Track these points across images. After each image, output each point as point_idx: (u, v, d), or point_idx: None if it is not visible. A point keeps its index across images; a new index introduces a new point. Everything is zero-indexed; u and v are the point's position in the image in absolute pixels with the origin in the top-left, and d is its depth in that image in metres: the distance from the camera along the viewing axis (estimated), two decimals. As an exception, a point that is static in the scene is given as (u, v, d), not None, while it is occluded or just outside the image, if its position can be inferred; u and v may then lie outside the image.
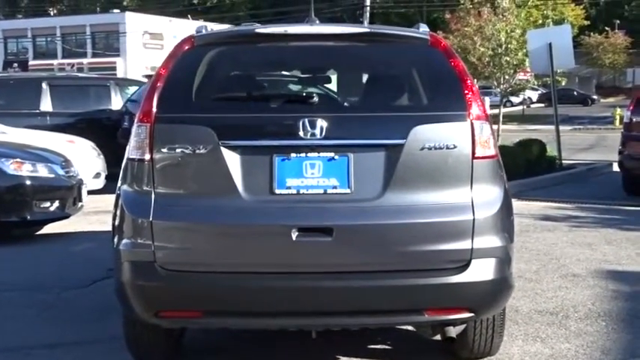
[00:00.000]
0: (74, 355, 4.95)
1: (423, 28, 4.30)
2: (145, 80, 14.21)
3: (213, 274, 3.80)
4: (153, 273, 3.81)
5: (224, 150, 3.80)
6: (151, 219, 3.81)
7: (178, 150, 3.83)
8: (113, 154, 12.73)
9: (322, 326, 3.94)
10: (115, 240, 4.06)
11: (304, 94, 3.90)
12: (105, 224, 9.60)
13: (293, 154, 3.81)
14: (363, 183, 3.80)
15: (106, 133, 13.12)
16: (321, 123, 3.78)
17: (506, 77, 23.99)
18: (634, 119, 11.59)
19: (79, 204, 9.23)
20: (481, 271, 3.82)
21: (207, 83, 4.09)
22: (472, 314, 3.90)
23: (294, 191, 3.81)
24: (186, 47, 4.08)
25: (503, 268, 3.90)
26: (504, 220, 3.96)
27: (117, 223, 4.07)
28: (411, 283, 3.75)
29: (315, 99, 3.84)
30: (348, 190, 3.81)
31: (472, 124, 3.87)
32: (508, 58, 23.05)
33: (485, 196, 3.89)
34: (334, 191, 3.81)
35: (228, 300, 3.80)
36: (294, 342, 4.80)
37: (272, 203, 3.80)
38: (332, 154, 3.81)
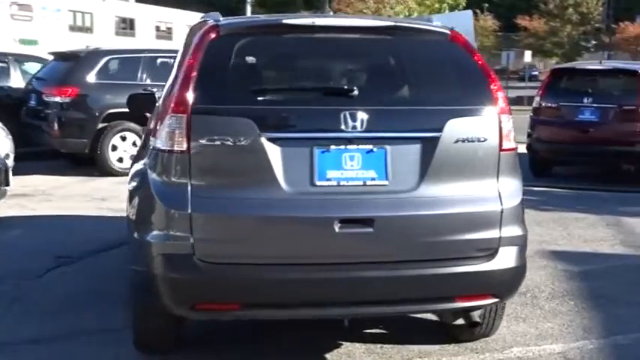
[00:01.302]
0: (62, 349, 4.81)
1: (437, 22, 4.42)
2: (51, 57, 13.56)
3: (254, 266, 3.79)
4: (191, 266, 3.75)
5: (265, 142, 3.78)
6: (189, 211, 3.75)
7: (218, 141, 3.77)
8: (16, 133, 12.21)
9: (358, 315, 4.02)
10: (140, 232, 3.97)
11: (345, 86, 3.92)
12: (25, 208, 9.29)
13: (333, 146, 3.84)
14: (399, 175, 3.89)
15: (7, 111, 12.53)
16: (362, 115, 3.83)
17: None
18: (543, 104, 12.19)
19: (4, 188, 8.82)
20: (507, 258, 4.00)
21: (242, 74, 4.03)
22: (497, 299, 4.08)
23: (334, 183, 3.84)
24: (212, 36, 4.00)
25: (523, 254, 4.10)
26: (523, 209, 4.15)
27: (143, 214, 3.99)
28: (444, 271, 3.88)
29: (356, 91, 3.87)
30: (386, 182, 3.88)
31: (499, 118, 4.03)
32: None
33: (509, 187, 4.07)
34: (373, 183, 3.87)
35: (268, 292, 3.80)
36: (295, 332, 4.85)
37: (313, 195, 3.82)
38: (370, 147, 3.86)
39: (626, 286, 6.18)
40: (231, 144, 3.76)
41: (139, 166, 4.27)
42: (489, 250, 3.96)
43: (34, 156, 13.06)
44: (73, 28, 27.55)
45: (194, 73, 3.84)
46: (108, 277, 6.36)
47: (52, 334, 5.03)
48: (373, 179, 3.87)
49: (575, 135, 11.59)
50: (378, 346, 4.76)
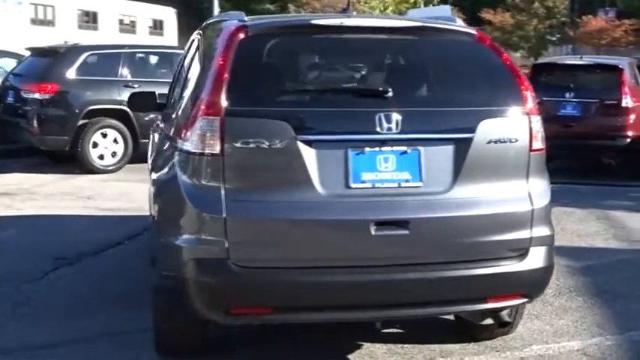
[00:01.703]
0: (82, 353, 4.73)
1: (459, 21, 4.41)
2: (28, 53, 13.29)
3: (289, 269, 3.76)
4: (226, 270, 3.71)
5: (300, 144, 3.74)
6: (224, 215, 3.70)
7: (253, 144, 3.72)
8: (-5, 131, 12.00)
9: (391, 318, 4.01)
10: (169, 236, 3.92)
11: (380, 87, 3.89)
12: (11, 208, 9.13)
13: (367, 148, 3.82)
14: (433, 176, 3.88)
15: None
16: (396, 117, 3.81)
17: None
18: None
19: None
20: (537, 258, 4.02)
21: (274, 75, 3.99)
22: (526, 299, 4.10)
23: (369, 185, 3.82)
24: (242, 36, 3.95)
25: (552, 254, 4.13)
26: (550, 209, 4.18)
27: (173, 218, 3.93)
28: (477, 272, 3.89)
29: (390, 93, 3.85)
30: (420, 184, 3.87)
31: (530, 119, 4.04)
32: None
33: (539, 188, 4.09)
34: (407, 185, 3.86)
35: (302, 295, 3.77)
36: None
37: (349, 197, 3.80)
38: (404, 148, 3.85)
39: (628, 281, 6.26)
40: (266, 147, 3.72)
41: (163, 169, 4.21)
42: (521, 250, 3.98)
43: (10, 153, 12.85)
44: (35, 22, 27.19)
45: (226, 75, 3.78)
46: (110, 277, 6.29)
47: (67, 337, 4.95)
48: (407, 181, 3.86)
49: (557, 129, 11.71)
50: (399, 346, 4.75)
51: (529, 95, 4.06)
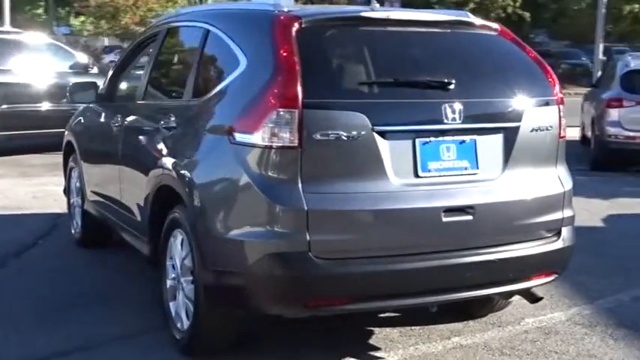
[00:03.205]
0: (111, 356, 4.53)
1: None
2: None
3: (367, 259, 3.81)
4: (308, 263, 3.69)
5: (375, 135, 3.79)
6: (305, 208, 3.68)
7: (331, 136, 3.72)
8: None
9: (453, 300, 4.16)
10: (234, 231, 3.83)
11: (445, 79, 3.99)
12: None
13: (432, 138, 3.94)
14: (486, 163, 4.08)
15: None
16: (458, 107, 3.96)
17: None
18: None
19: None
20: (567, 237, 4.34)
21: (341, 66, 3.97)
22: (556, 275, 4.41)
23: (435, 174, 3.95)
24: (297, 27, 3.90)
25: (574, 233, 4.46)
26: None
27: (242, 214, 3.84)
28: (526, 252, 4.15)
29: (453, 84, 3.98)
30: (477, 171, 4.05)
31: (559, 108, 4.34)
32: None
33: (564, 172, 4.42)
34: (466, 172, 4.03)
35: (379, 283, 3.84)
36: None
37: (419, 186, 3.90)
38: (463, 137, 4.01)
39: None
40: (344, 138, 3.73)
41: (214, 163, 4.06)
42: (555, 230, 4.29)
43: None
44: None
45: (297, 67, 3.73)
46: (58, 279, 5.93)
47: (64, 345, 4.64)
48: (466, 169, 4.03)
49: None
50: (408, 328, 4.92)
51: (557, 85, 4.36)
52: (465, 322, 5.07)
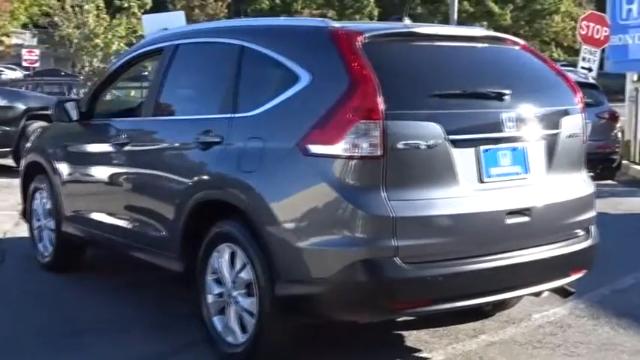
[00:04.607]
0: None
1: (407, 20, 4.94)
2: None
3: (446, 261, 3.99)
4: (395, 268, 3.84)
5: (448, 144, 3.99)
6: (392, 215, 3.82)
7: (411, 146, 3.89)
8: None
9: (514, 297, 4.41)
10: (316, 240, 3.92)
11: (502, 90, 4.24)
12: None
13: (492, 146, 4.19)
14: (534, 168, 4.37)
15: None
16: (513, 117, 4.24)
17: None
18: None
19: None
20: (595, 235, 4.70)
21: (411, 79, 4.10)
22: (585, 271, 4.75)
23: (496, 179, 4.20)
24: (361, 41, 4.06)
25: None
26: None
27: (326, 222, 3.93)
28: (568, 250, 4.47)
29: (508, 95, 4.25)
30: (527, 175, 4.34)
31: (583, 116, 4.70)
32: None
33: (587, 174, 4.78)
34: (519, 177, 4.31)
35: (456, 284, 4.03)
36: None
37: (484, 191, 4.14)
38: (516, 145, 4.29)
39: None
40: (423, 147, 3.91)
41: (283, 175, 4.10)
42: (587, 228, 4.64)
43: None
44: None
45: (373, 79, 3.88)
46: (45, 304, 5.74)
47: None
48: (518, 173, 4.31)
49: None
50: (432, 330, 5.13)
51: (579, 94, 4.72)
52: (480, 321, 5.33)
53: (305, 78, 4.16)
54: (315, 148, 3.97)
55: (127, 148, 5.38)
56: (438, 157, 3.98)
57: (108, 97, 6.07)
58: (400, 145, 3.87)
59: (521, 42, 4.83)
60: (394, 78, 4.03)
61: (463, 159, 4.08)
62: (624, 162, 14.31)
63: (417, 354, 4.73)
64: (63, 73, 53.06)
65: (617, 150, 13.42)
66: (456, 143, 4.04)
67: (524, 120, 4.32)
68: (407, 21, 4.65)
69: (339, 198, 3.87)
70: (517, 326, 5.26)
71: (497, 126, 4.20)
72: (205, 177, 4.60)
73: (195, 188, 4.65)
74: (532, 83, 4.61)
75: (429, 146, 3.94)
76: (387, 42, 4.24)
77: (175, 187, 4.84)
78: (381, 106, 3.85)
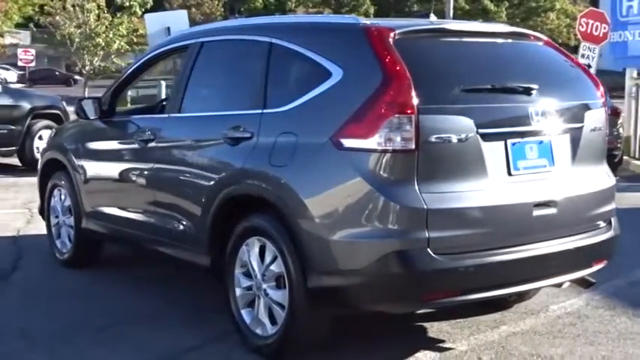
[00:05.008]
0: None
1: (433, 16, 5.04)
2: None
3: (477, 252, 4.08)
4: (427, 259, 3.93)
5: (479, 138, 4.09)
6: (425, 207, 3.91)
7: (444, 140, 3.98)
8: None
9: (535, 287, 4.50)
10: (351, 232, 4.01)
11: (530, 85, 4.34)
12: None
13: (519, 139, 4.28)
14: (559, 161, 4.47)
15: None
16: (540, 111, 4.34)
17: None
18: None
19: None
20: (615, 226, 4.80)
21: (443, 74, 4.19)
22: (606, 262, 4.86)
23: (523, 171, 4.29)
24: (393, 37, 4.14)
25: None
26: None
27: (357, 214, 4.00)
28: (592, 241, 4.57)
29: (535, 89, 4.35)
30: (552, 168, 4.44)
31: (605, 109, 4.81)
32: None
33: (607, 167, 4.88)
34: (545, 170, 4.41)
35: (486, 275, 4.12)
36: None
37: (513, 184, 4.24)
38: (542, 138, 4.39)
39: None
40: (455, 141, 4.01)
41: (316, 169, 4.18)
42: (609, 219, 4.75)
43: None
44: None
45: (407, 74, 3.97)
46: (77, 300, 5.82)
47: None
48: (545, 166, 4.41)
49: None
50: (453, 322, 5.23)
51: (601, 88, 4.83)
52: (500, 312, 5.43)
53: (337, 74, 4.25)
54: (348, 142, 4.05)
55: (152, 144, 5.46)
56: (468, 150, 4.08)
57: (129, 94, 6.13)
58: (433, 139, 3.97)
59: (544, 37, 4.94)
60: (425, 73, 4.12)
61: (492, 152, 4.17)
62: (625, 157, 14.47)
63: (441, 344, 4.83)
64: (57, 73, 52.92)
65: (619, 145, 13.57)
66: (485, 137, 4.13)
67: (550, 114, 4.42)
68: (433, 17, 4.73)
69: (373, 191, 3.96)
70: (536, 317, 5.36)
71: (525, 120, 4.30)
72: (235, 172, 4.68)
73: (224, 183, 4.73)
74: (556, 78, 4.72)
75: (460, 140, 4.03)
76: (417, 38, 4.33)
77: (203, 183, 4.92)
78: (414, 100, 3.94)
